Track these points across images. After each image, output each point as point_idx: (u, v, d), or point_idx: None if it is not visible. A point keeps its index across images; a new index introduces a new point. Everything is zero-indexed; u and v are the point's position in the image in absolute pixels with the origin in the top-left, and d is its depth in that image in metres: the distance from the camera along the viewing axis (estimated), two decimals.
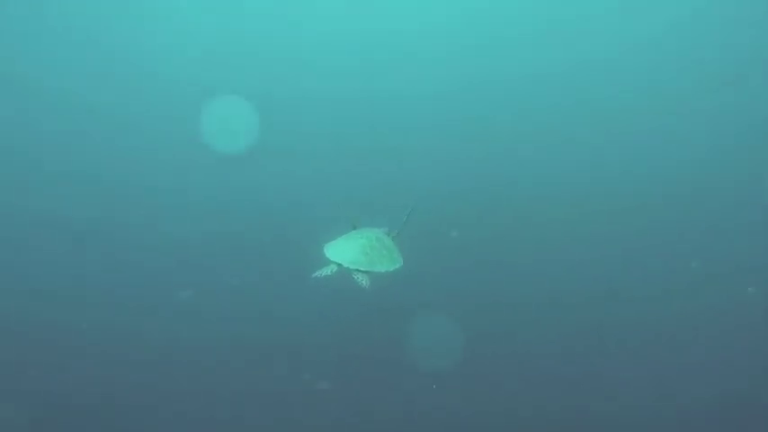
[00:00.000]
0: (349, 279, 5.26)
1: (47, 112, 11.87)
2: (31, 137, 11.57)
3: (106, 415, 8.14)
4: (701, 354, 9.04)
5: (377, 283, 5.30)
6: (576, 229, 12.01)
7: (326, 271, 5.25)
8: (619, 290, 10.55)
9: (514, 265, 11.11)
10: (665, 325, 9.88)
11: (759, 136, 13.40)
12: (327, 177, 12.28)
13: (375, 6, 12.71)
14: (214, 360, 9.11)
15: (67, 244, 11.13)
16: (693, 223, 12.14)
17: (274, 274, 10.06)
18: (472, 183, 12.45)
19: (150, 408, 8.09)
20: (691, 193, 12.63)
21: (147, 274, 10.65)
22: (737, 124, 13.66)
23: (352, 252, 5.34)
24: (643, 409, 8.32)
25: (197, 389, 8.51)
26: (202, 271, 10.86)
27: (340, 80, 12.95)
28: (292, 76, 13.07)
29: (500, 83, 13.42)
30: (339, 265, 5.26)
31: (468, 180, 12.48)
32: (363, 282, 5.21)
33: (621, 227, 12.29)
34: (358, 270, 5.22)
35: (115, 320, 9.76)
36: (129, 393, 8.16)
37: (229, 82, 12.84)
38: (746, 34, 13.62)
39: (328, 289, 5.75)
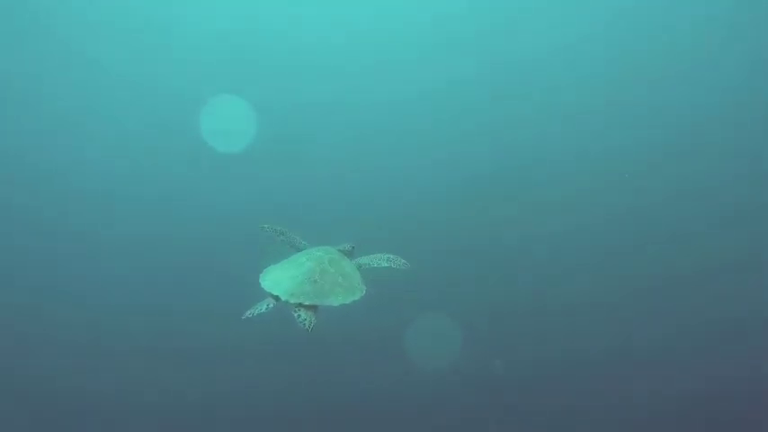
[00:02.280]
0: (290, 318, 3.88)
1: (45, 109, 11.95)
2: (29, 134, 11.66)
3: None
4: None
5: (329, 318, 4.01)
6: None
7: (261, 308, 3.95)
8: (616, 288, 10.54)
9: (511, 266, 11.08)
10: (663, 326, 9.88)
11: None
12: (319, 179, 12.30)
13: (375, 8, 12.69)
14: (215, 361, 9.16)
15: (66, 242, 11.22)
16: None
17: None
18: (470, 182, 12.43)
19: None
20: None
21: (144, 274, 10.73)
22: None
23: (295, 280, 4.01)
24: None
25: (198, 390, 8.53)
26: (201, 271, 10.90)
27: (338, 82, 12.94)
28: (291, 77, 13.06)
29: (498, 76, 13.35)
30: (276, 298, 3.96)
31: (465, 179, 12.46)
32: (306, 321, 3.82)
33: (622, 225, 12.24)
34: (300, 305, 3.87)
35: (113, 320, 9.86)
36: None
37: (228, 82, 12.86)
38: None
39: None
